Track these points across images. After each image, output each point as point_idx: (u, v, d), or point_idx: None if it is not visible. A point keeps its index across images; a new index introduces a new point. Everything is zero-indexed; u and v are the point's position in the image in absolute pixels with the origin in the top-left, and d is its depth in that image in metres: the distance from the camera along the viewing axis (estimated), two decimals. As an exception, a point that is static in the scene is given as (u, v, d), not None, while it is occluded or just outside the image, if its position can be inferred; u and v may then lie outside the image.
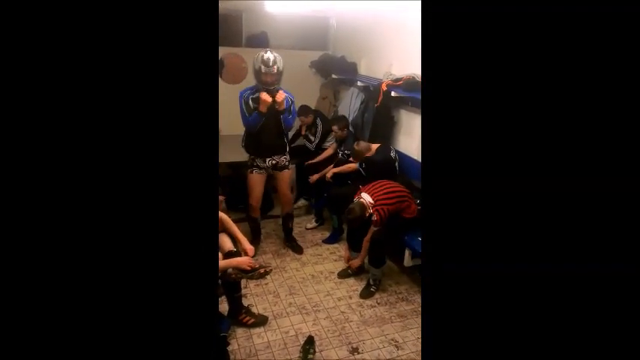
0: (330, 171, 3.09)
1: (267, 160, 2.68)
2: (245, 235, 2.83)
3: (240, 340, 2.11)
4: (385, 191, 2.46)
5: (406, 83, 2.74)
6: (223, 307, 2.19)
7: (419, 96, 2.71)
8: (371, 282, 2.55)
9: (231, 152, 3.28)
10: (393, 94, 2.86)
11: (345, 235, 3.12)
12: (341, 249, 3.05)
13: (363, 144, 2.86)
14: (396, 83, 2.84)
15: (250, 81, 3.50)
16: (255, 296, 2.46)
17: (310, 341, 2.07)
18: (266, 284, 2.59)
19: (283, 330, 2.20)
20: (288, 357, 2.02)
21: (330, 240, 3.15)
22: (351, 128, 3.34)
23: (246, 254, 2.13)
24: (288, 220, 2.98)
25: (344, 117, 3.36)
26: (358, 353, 2.08)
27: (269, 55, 2.39)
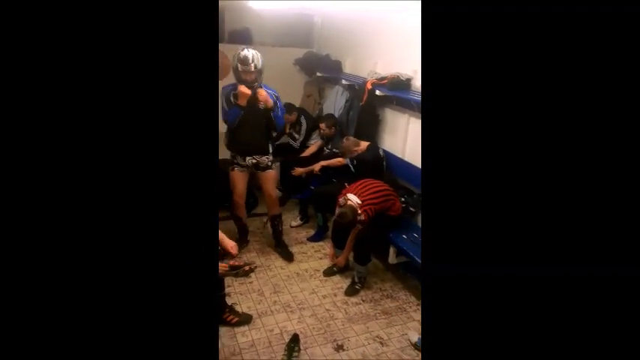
0: (319, 164, 3.08)
1: (248, 158, 2.63)
2: (232, 235, 2.79)
3: (224, 339, 2.08)
4: (371, 191, 2.47)
5: (391, 82, 2.76)
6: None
7: (403, 95, 2.73)
8: (356, 279, 2.56)
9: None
10: (377, 92, 2.87)
11: (329, 232, 3.12)
12: (326, 247, 3.04)
13: (351, 139, 2.86)
14: (380, 82, 2.86)
15: (233, 77, 3.46)
16: (239, 295, 2.43)
17: (295, 339, 2.05)
18: (250, 282, 2.56)
19: (268, 328, 2.19)
20: (273, 355, 2.01)
21: (315, 238, 3.14)
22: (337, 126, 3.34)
23: (227, 252, 2.09)
24: (276, 222, 2.88)
25: (332, 115, 3.36)
26: (343, 350, 2.08)
27: (246, 53, 2.33)
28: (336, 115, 3.43)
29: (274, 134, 2.72)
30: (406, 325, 2.30)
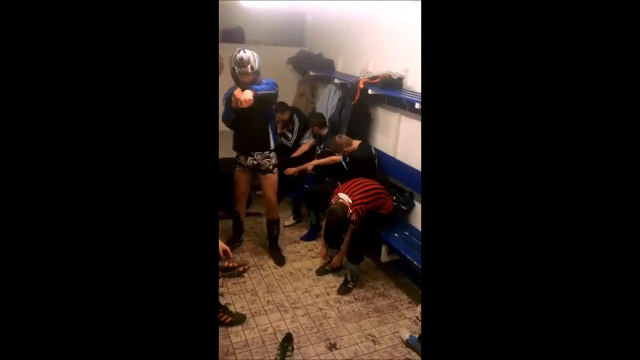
0: (312, 163, 3.09)
1: (249, 159, 2.62)
2: (226, 234, 2.80)
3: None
4: (362, 190, 2.48)
5: (383, 81, 2.78)
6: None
7: (395, 94, 2.75)
8: (349, 278, 2.58)
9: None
10: (370, 91, 2.89)
11: (322, 232, 3.14)
12: (319, 246, 3.05)
13: (344, 137, 2.87)
14: (372, 81, 2.87)
15: (227, 77, 3.45)
16: (232, 294, 2.44)
17: (288, 338, 2.07)
18: (244, 282, 2.57)
19: (261, 328, 2.20)
20: (267, 355, 2.02)
21: (308, 237, 3.16)
22: (329, 125, 3.35)
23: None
24: (272, 226, 2.86)
25: (321, 114, 3.37)
26: (336, 349, 2.10)
27: (242, 55, 2.31)
28: (329, 113, 3.43)
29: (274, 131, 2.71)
30: (398, 322, 2.33)
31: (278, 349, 2.02)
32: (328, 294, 2.53)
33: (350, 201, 2.41)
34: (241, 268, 2.45)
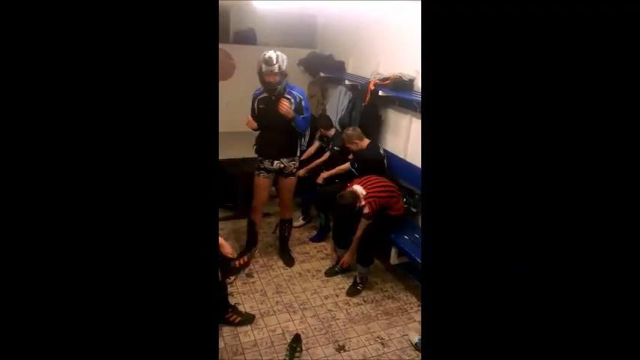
0: (321, 176, 3.05)
1: (275, 162, 2.57)
2: (239, 234, 2.81)
3: (226, 338, 2.10)
4: (377, 185, 2.48)
5: (393, 83, 2.77)
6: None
7: (406, 95, 2.74)
8: (358, 280, 2.57)
9: (219, 150, 3.26)
10: (380, 93, 2.88)
11: (331, 233, 3.13)
12: (328, 247, 3.05)
13: (357, 130, 2.86)
14: (383, 82, 2.86)
15: (238, 78, 3.49)
16: (242, 294, 2.46)
17: (297, 339, 2.07)
18: (253, 282, 2.58)
19: (270, 328, 2.21)
20: (275, 355, 2.03)
21: (317, 238, 3.16)
22: (337, 126, 3.34)
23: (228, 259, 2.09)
24: (285, 226, 2.85)
25: (327, 116, 3.36)
26: (345, 351, 2.09)
27: (270, 54, 2.29)
28: (339, 115, 3.43)
29: (303, 137, 2.65)
30: (407, 325, 2.31)
31: (287, 350, 2.02)
32: (337, 295, 2.53)
33: (364, 192, 2.40)
34: (245, 259, 2.48)
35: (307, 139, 2.80)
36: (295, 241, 3.12)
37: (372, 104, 3.07)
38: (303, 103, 2.48)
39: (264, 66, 2.30)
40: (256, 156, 2.63)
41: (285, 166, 2.59)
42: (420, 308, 2.46)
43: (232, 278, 2.39)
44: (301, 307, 2.40)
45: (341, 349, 2.10)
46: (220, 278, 2.03)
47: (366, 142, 2.86)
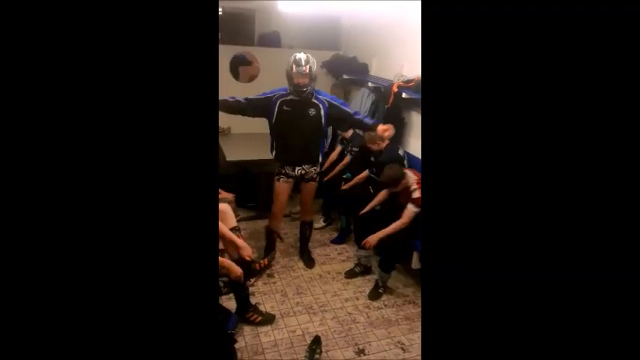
0: (344, 187, 3.02)
1: (297, 169, 2.54)
2: (259, 235, 2.83)
3: (247, 337, 2.12)
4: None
5: (417, 85, 2.74)
6: (231, 304, 2.21)
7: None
8: (380, 284, 2.56)
9: (241, 151, 3.31)
10: (404, 95, 2.85)
11: (353, 235, 3.12)
12: (349, 249, 3.05)
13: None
14: (407, 85, 2.84)
15: (262, 80, 3.52)
16: (262, 294, 2.48)
17: (317, 341, 2.07)
18: (274, 283, 2.60)
19: (290, 329, 2.22)
20: (295, 356, 2.03)
21: (338, 240, 3.15)
22: (358, 131, 3.32)
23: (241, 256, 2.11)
24: (306, 228, 2.85)
25: None
26: (364, 355, 2.08)
27: (301, 55, 2.28)
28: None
29: (326, 139, 2.60)
30: (428, 331, 2.28)
31: (306, 352, 2.03)
32: (357, 299, 2.51)
33: (416, 177, 2.37)
34: (265, 261, 2.51)
35: (329, 140, 2.80)
36: (316, 242, 3.12)
37: (395, 106, 3.04)
38: (337, 102, 2.47)
39: (294, 67, 2.27)
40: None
41: (306, 172, 2.57)
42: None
43: (253, 280, 2.41)
44: (321, 308, 2.40)
45: (361, 352, 2.09)
46: (242, 280, 2.05)
47: (386, 142, 2.84)
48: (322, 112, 2.41)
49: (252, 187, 3.34)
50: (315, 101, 2.40)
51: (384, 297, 2.54)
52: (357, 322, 2.31)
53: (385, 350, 2.12)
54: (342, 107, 2.47)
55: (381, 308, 2.45)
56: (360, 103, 3.52)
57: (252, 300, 2.31)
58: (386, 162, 2.79)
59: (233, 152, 3.28)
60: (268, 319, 2.24)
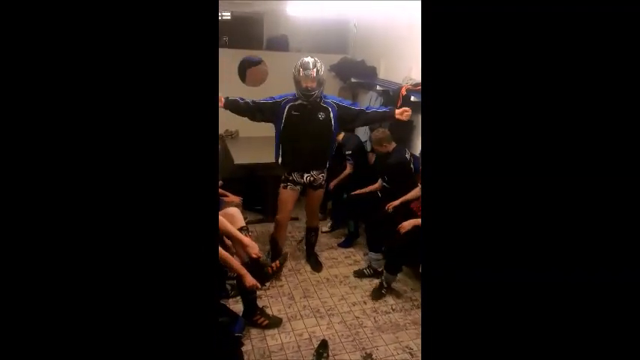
0: (353, 194, 3.02)
1: (306, 175, 2.50)
2: (262, 235, 2.83)
3: (254, 341, 2.12)
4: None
5: (426, 88, 2.72)
6: (238, 307, 2.21)
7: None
8: (384, 284, 2.55)
9: (248, 154, 3.32)
10: (412, 98, 2.84)
11: (360, 239, 3.12)
12: (356, 253, 3.04)
13: (387, 132, 2.82)
14: (415, 88, 2.83)
15: (270, 83, 3.53)
16: (269, 298, 2.47)
17: (324, 345, 2.06)
18: (281, 286, 2.60)
19: (297, 332, 2.21)
20: (302, 360, 2.03)
21: (346, 243, 3.14)
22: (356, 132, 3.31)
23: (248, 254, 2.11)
24: (312, 234, 2.84)
25: None
26: (372, 359, 2.06)
27: (308, 59, 2.26)
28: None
29: (334, 142, 2.57)
30: (437, 336, 2.26)
31: (313, 356, 2.02)
32: (365, 302, 2.50)
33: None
34: (278, 264, 2.50)
35: (336, 144, 2.79)
36: (323, 246, 3.12)
37: (403, 110, 3.03)
38: (345, 104, 2.45)
39: (301, 70, 2.24)
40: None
41: (314, 179, 2.53)
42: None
43: (267, 285, 2.40)
44: (328, 312, 2.39)
45: (368, 357, 2.07)
46: (260, 285, 2.04)
47: (393, 145, 2.83)
48: (332, 115, 2.39)
49: (259, 190, 3.34)
50: (324, 105, 2.38)
51: (392, 301, 2.52)
52: (365, 327, 2.29)
53: (393, 355, 2.10)
54: (352, 107, 2.46)
55: (389, 312, 2.43)
56: (368, 107, 3.51)
57: (260, 303, 2.30)
58: (393, 165, 2.78)
59: (241, 155, 3.30)
60: (275, 323, 2.23)
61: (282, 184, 2.54)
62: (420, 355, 2.11)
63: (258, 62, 3.60)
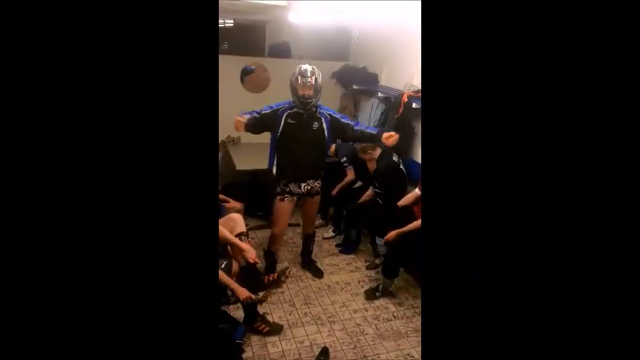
0: (351, 207, 3.02)
1: (303, 185, 2.46)
2: (264, 240, 2.81)
3: (254, 348, 2.11)
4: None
5: (428, 95, 2.73)
6: (239, 313, 2.20)
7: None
8: (380, 288, 2.57)
9: (251, 160, 3.32)
10: (414, 105, 2.85)
11: (361, 246, 3.11)
12: (357, 259, 3.03)
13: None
14: (417, 94, 2.84)
15: (272, 90, 3.55)
16: (270, 304, 2.46)
17: (325, 352, 2.05)
18: (282, 293, 2.59)
19: (298, 340, 2.19)
20: (302, 367, 2.01)
21: (347, 250, 3.13)
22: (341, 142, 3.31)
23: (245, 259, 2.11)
24: (309, 240, 2.82)
25: None
26: (373, 367, 2.05)
27: (306, 67, 2.25)
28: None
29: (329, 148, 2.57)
30: (439, 344, 2.24)
31: (314, 363, 2.00)
32: (366, 310, 2.48)
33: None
34: (275, 276, 2.49)
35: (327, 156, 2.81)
36: (325, 252, 3.11)
37: (405, 116, 3.04)
38: (337, 116, 2.46)
39: (299, 78, 2.23)
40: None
41: (311, 187, 2.51)
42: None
43: (261, 294, 2.39)
44: (329, 319, 2.37)
45: (369, 365, 2.06)
46: (254, 294, 2.04)
47: (378, 151, 2.83)
48: (324, 125, 2.38)
49: (261, 196, 3.34)
50: (318, 115, 2.38)
51: (393, 309, 2.50)
52: (366, 334, 2.28)
53: (394, 363, 2.08)
54: (342, 120, 2.45)
55: (391, 320, 2.41)
56: (370, 114, 3.53)
57: (260, 310, 2.29)
58: (383, 170, 2.79)
59: (243, 161, 3.30)
60: (276, 330, 2.22)
61: (278, 197, 2.48)
62: (422, 363, 2.10)
63: (252, 71, 3.62)
